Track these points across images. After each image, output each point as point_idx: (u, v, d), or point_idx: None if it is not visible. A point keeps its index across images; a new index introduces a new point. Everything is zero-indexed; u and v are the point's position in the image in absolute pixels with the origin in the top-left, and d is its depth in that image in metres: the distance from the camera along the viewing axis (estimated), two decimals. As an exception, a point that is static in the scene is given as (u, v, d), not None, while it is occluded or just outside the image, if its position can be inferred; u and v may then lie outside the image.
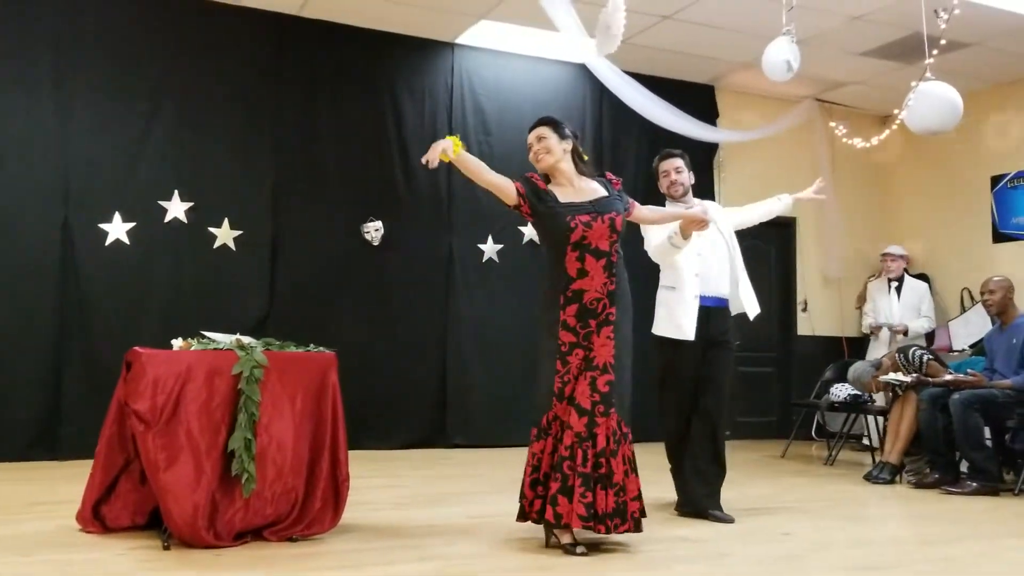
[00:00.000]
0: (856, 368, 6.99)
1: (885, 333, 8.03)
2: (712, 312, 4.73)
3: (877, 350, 7.95)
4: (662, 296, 4.86)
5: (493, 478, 5.89)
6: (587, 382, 3.74)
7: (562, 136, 3.95)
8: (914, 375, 6.23)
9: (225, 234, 6.93)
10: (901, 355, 6.50)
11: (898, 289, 8.08)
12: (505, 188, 3.88)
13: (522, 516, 3.81)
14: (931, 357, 6.42)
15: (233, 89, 7.04)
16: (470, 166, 3.87)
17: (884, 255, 8.21)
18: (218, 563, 3.32)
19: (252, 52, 7.13)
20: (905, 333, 7.89)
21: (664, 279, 4.85)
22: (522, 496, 3.80)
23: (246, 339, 3.74)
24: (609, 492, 3.63)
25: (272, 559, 3.40)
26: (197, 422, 3.49)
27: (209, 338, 3.75)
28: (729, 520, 4.46)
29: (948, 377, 6.01)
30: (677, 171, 5.05)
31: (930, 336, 8.28)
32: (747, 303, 4.86)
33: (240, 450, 3.49)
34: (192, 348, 3.66)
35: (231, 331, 3.98)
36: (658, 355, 4.88)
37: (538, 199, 3.87)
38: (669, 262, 4.75)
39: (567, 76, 8.24)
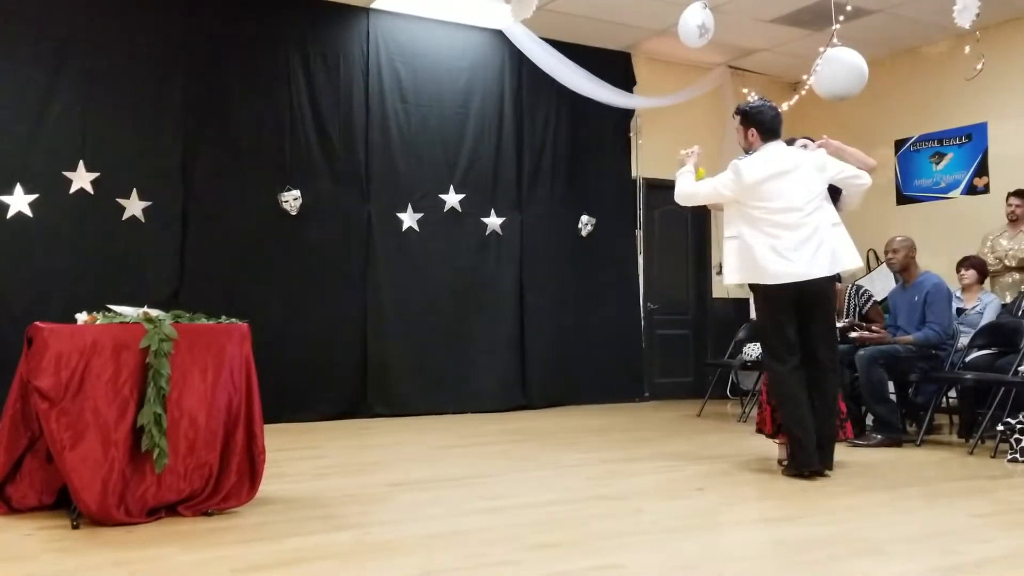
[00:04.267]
0: None
1: None
2: None
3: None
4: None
5: (414, 446, 5.90)
6: None
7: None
8: (847, 320, 6.38)
9: (134, 205, 6.74)
10: (852, 288, 6.67)
11: None
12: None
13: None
14: (877, 301, 6.57)
15: (140, 55, 6.82)
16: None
17: None
18: (130, 540, 3.27)
19: (160, 16, 6.91)
20: None
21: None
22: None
23: (154, 312, 3.66)
24: None
25: (186, 534, 3.36)
26: (104, 398, 3.41)
27: (115, 312, 3.66)
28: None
29: (854, 334, 6.20)
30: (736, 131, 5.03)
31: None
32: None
33: (150, 425, 3.43)
34: (97, 322, 3.57)
35: (141, 306, 3.89)
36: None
37: None
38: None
39: (485, 42, 8.19)
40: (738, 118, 4.83)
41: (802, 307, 4.59)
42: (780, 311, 4.62)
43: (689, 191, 4.82)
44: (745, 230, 4.64)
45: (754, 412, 7.40)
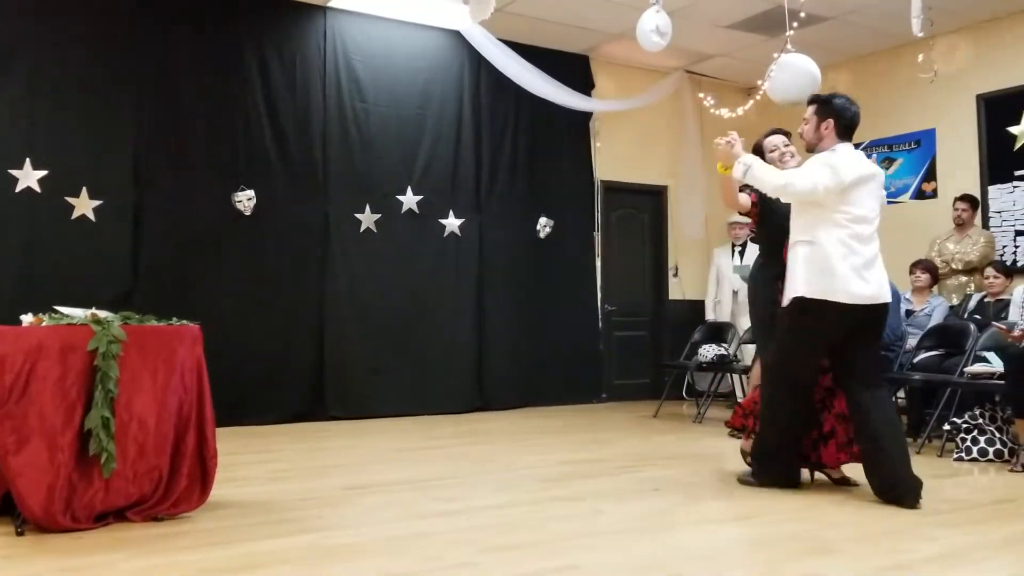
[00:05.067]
0: None
1: (728, 295, 8.49)
2: None
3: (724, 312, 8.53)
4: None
5: (371, 449, 5.86)
6: None
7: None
8: None
9: (84, 204, 6.61)
10: None
11: (741, 252, 8.47)
12: (744, 203, 4.58)
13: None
14: None
15: (91, 52, 6.69)
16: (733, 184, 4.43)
17: (730, 223, 8.57)
18: (78, 547, 3.21)
19: (112, 12, 6.78)
20: None
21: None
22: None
23: (103, 313, 3.60)
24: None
25: (135, 540, 3.31)
26: (50, 401, 3.34)
27: (62, 313, 3.59)
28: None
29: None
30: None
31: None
32: None
33: (98, 429, 3.36)
34: (44, 324, 3.50)
35: (91, 307, 3.82)
36: None
37: (761, 197, 4.51)
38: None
39: (443, 43, 8.17)
40: (813, 107, 4.30)
41: (857, 330, 4.15)
42: (825, 335, 4.18)
43: (781, 182, 4.13)
44: (823, 235, 4.09)
45: (709, 412, 7.49)
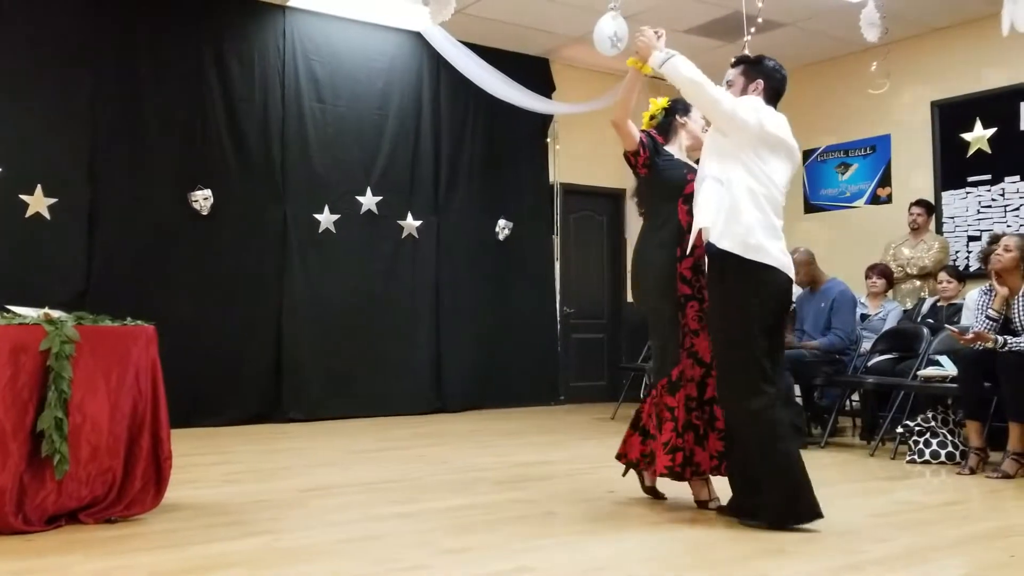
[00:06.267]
0: None
1: None
2: None
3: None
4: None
5: (327, 451, 5.84)
6: (706, 335, 3.82)
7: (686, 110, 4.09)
8: None
9: (38, 202, 6.51)
10: None
11: None
12: (632, 133, 3.96)
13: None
14: (793, 309, 6.68)
15: (46, 48, 6.59)
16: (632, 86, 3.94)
17: None
18: (29, 549, 3.16)
19: (68, 9, 6.70)
20: None
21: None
22: (676, 449, 3.81)
23: (55, 313, 3.55)
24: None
25: (88, 542, 3.27)
26: (2, 402, 3.28)
27: (14, 312, 3.53)
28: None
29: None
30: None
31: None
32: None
33: (50, 430, 3.32)
34: (-6, 324, 3.44)
35: (43, 307, 3.76)
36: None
37: (656, 151, 4.00)
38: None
39: (403, 44, 8.16)
40: (739, 68, 3.87)
41: (782, 315, 3.75)
42: (773, 313, 3.62)
43: (700, 79, 3.61)
44: (737, 179, 3.60)
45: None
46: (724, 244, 3.55)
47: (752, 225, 3.54)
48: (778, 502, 3.55)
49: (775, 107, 3.81)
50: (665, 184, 3.99)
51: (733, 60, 3.99)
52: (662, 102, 4.15)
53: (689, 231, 3.81)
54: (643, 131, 4.09)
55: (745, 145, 3.62)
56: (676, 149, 4.15)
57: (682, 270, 3.88)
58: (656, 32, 3.82)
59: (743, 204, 3.56)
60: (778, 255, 3.59)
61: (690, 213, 3.80)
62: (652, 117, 4.11)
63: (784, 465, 3.54)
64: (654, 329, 4.00)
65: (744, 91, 3.81)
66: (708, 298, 3.79)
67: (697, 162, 3.96)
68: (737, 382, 3.60)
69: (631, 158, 4.04)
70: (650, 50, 3.76)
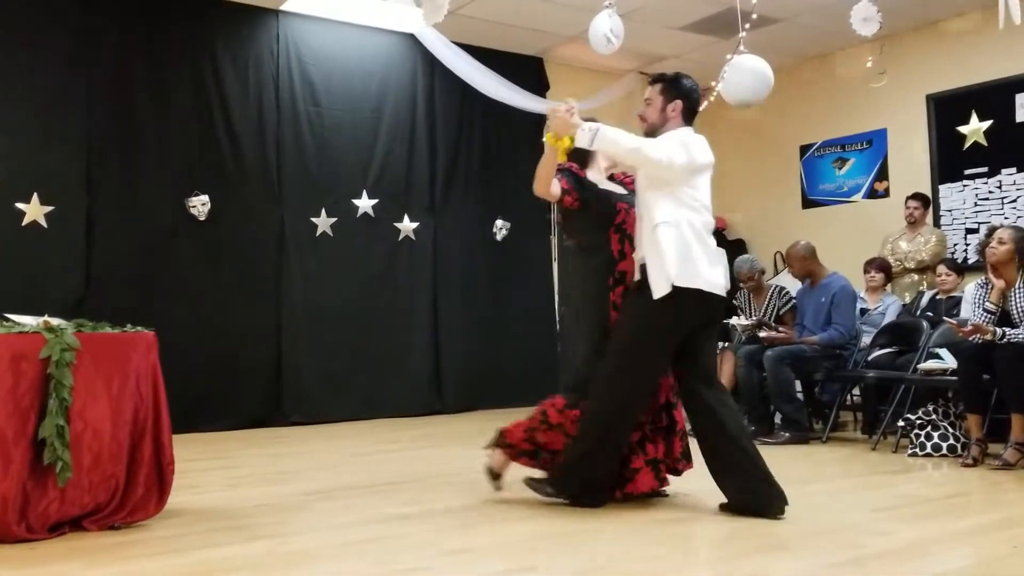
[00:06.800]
0: (744, 259, 7.02)
1: None
2: None
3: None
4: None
5: (328, 454, 5.84)
6: None
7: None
8: (755, 318, 6.54)
9: (35, 210, 6.51)
10: (776, 288, 6.82)
11: None
12: (555, 192, 3.98)
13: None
14: (795, 305, 6.72)
15: (42, 55, 6.59)
16: (548, 161, 3.91)
17: None
18: (32, 557, 3.16)
19: (63, 15, 6.68)
20: None
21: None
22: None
23: (55, 321, 3.55)
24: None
25: (91, 549, 3.27)
26: (3, 410, 3.28)
27: (13, 321, 3.53)
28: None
29: (762, 334, 6.36)
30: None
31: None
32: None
33: (52, 438, 3.31)
34: (-6, 333, 3.43)
35: (42, 315, 3.76)
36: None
37: (582, 186, 4.04)
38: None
39: (397, 46, 8.15)
40: (658, 86, 3.98)
41: (707, 324, 3.91)
42: (682, 330, 3.80)
43: (635, 144, 3.73)
44: (683, 219, 3.76)
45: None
46: (680, 283, 3.69)
47: (700, 260, 3.75)
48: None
49: (691, 124, 3.97)
50: (597, 216, 4.07)
51: (651, 78, 4.10)
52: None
53: (620, 259, 3.99)
54: (561, 170, 4.06)
55: (681, 182, 3.79)
56: (596, 173, 4.19)
57: (614, 298, 3.99)
58: (568, 109, 3.80)
59: (693, 245, 3.75)
60: (717, 280, 3.81)
61: (621, 242, 4.00)
62: (566, 150, 3.92)
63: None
64: (584, 355, 4.05)
65: (663, 110, 3.95)
66: (625, 311, 3.91)
67: (612, 178, 4.19)
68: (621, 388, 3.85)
69: (560, 204, 4.09)
70: (568, 128, 3.76)
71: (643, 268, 3.82)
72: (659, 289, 3.70)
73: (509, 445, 4.12)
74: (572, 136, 3.74)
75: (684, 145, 3.79)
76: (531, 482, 4.06)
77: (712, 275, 3.78)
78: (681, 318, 3.77)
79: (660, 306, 3.70)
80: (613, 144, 3.74)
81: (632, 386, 3.85)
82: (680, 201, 3.78)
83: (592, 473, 3.93)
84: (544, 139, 3.90)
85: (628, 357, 3.83)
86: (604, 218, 4.03)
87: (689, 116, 3.96)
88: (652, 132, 3.96)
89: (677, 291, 3.67)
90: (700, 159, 3.83)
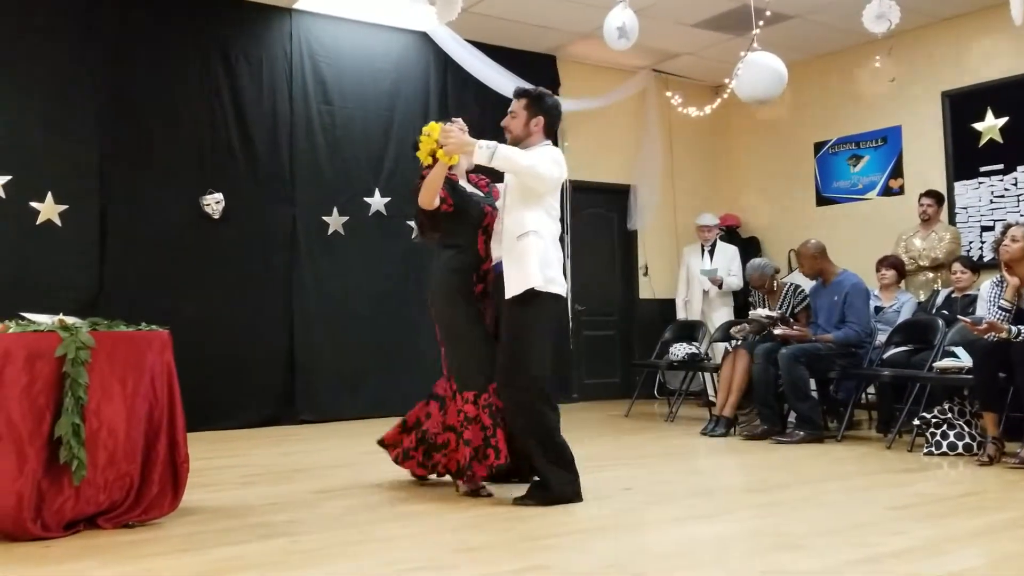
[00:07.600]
0: (756, 264, 7.00)
1: (698, 293, 8.50)
2: None
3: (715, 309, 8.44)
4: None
5: (340, 452, 5.85)
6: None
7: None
8: (778, 312, 6.52)
9: (49, 209, 6.55)
10: (791, 287, 6.80)
11: (711, 252, 8.53)
12: (435, 203, 4.16)
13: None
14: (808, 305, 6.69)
15: (55, 54, 6.62)
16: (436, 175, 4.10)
17: (699, 227, 8.64)
18: (47, 555, 3.18)
19: (77, 15, 6.72)
20: (720, 285, 8.34)
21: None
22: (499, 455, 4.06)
23: (70, 319, 3.56)
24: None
25: (106, 547, 3.28)
26: (18, 408, 3.30)
27: (29, 320, 3.54)
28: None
29: (778, 331, 6.33)
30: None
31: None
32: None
33: (68, 436, 3.32)
34: (10, 331, 3.45)
35: (57, 313, 3.77)
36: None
37: (455, 192, 4.26)
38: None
39: (410, 44, 8.16)
40: (523, 101, 4.19)
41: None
42: (556, 332, 4.18)
43: (531, 162, 3.95)
44: (544, 228, 4.04)
45: (681, 411, 7.53)
46: (538, 286, 3.95)
47: (555, 265, 4.06)
48: (557, 484, 4.00)
49: (550, 139, 4.22)
50: (466, 218, 4.26)
51: (516, 92, 4.31)
52: (434, 134, 4.10)
53: (486, 259, 4.23)
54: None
55: (550, 194, 4.08)
56: (460, 174, 4.40)
57: (477, 294, 4.25)
58: (460, 127, 4.13)
59: (551, 250, 4.04)
60: (563, 282, 4.13)
61: (487, 243, 4.24)
62: (431, 154, 4.10)
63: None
64: (451, 347, 4.23)
65: (526, 124, 4.17)
66: (505, 319, 4.07)
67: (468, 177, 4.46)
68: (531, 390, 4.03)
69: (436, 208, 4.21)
70: (464, 147, 4.00)
71: (499, 267, 4.11)
72: (513, 290, 3.97)
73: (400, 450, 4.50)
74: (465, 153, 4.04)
75: (556, 163, 4.05)
76: (520, 501, 4.02)
77: (560, 278, 4.10)
78: (556, 320, 4.18)
79: (541, 306, 4.01)
80: (509, 161, 3.95)
81: (541, 395, 4.07)
82: (547, 212, 4.07)
83: (561, 453, 4.05)
84: (422, 154, 4.12)
85: (528, 353, 4.01)
86: (474, 220, 4.27)
87: (549, 132, 4.23)
88: (515, 143, 4.17)
89: (538, 294, 3.96)
90: (564, 175, 4.11)
